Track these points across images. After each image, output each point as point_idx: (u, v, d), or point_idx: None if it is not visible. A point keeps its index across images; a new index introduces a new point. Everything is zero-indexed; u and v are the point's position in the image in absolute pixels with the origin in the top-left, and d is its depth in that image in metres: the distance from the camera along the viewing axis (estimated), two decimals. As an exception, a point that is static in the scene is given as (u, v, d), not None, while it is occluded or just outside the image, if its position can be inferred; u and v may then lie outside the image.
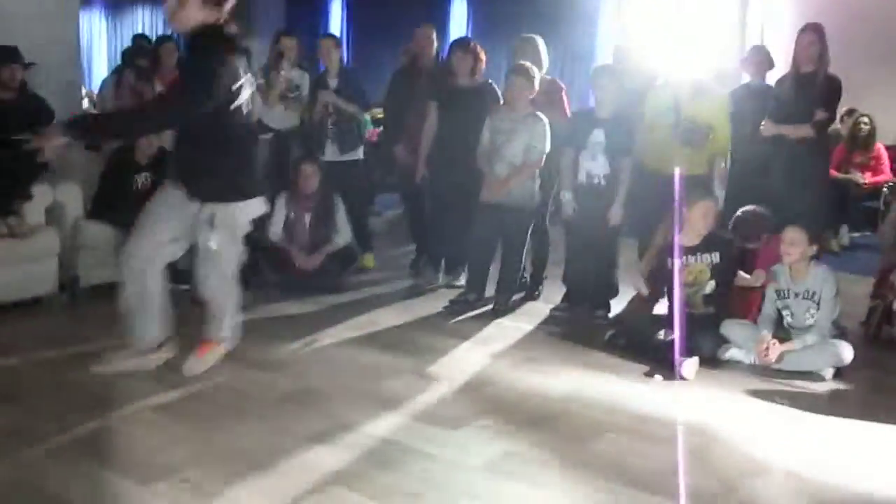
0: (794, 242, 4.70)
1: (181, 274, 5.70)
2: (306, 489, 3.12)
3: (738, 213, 5.28)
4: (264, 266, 6.01)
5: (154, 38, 8.71)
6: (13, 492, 3.05)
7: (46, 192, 5.50)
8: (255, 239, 5.97)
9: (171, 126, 4.21)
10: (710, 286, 4.85)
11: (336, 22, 14.63)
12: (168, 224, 4.02)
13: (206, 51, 3.77)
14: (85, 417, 3.66)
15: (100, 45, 18.19)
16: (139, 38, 8.98)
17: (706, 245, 4.86)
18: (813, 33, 5.38)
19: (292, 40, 6.75)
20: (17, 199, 5.29)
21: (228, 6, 3.84)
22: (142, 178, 5.84)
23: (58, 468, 3.22)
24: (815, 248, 4.76)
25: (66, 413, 3.68)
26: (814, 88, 5.34)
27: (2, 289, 5.08)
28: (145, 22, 18.23)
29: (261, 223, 6.09)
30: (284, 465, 3.31)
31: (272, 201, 6.16)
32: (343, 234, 6.10)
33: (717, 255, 4.86)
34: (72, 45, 6.58)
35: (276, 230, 6.03)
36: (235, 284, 4.29)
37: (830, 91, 5.36)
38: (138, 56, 7.56)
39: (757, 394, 4.29)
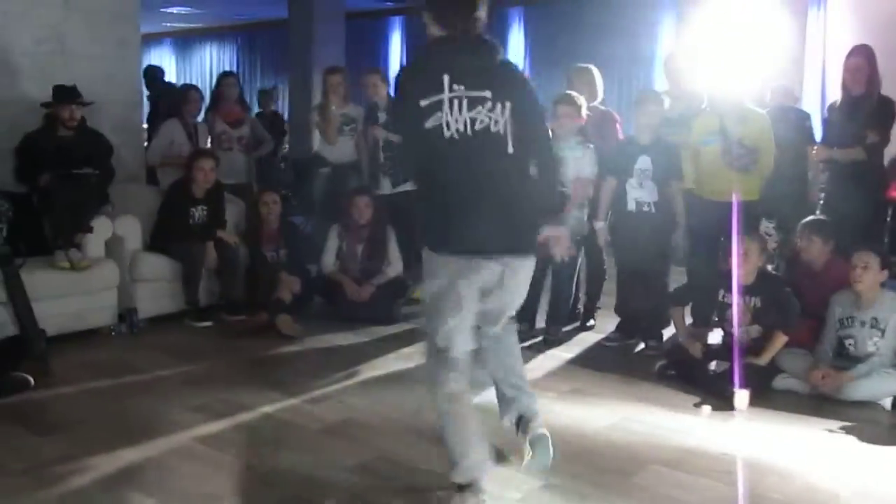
0: (868, 267, 4.58)
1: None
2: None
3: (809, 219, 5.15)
4: (316, 296, 6.09)
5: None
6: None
7: (106, 225, 5.65)
8: (308, 269, 6.13)
9: None
10: (755, 330, 4.72)
11: (395, 53, 14.83)
12: None
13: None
14: (133, 447, 3.73)
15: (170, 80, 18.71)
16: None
17: (749, 287, 4.73)
18: (860, 57, 5.25)
19: (337, 76, 6.82)
20: (79, 232, 5.45)
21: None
22: (198, 211, 5.98)
23: (104, 497, 3.29)
24: (885, 273, 4.64)
25: (115, 443, 3.76)
26: (865, 111, 5.22)
27: (61, 320, 5.20)
28: (213, 56, 18.78)
29: (315, 254, 6.23)
30: (324, 496, 3.33)
31: (326, 232, 6.27)
32: (395, 266, 6.13)
33: (759, 299, 4.73)
34: (132, 84, 6.75)
35: (328, 261, 6.10)
36: None
37: (882, 113, 5.23)
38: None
39: (811, 424, 4.20)
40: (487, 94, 3.02)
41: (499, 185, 3.07)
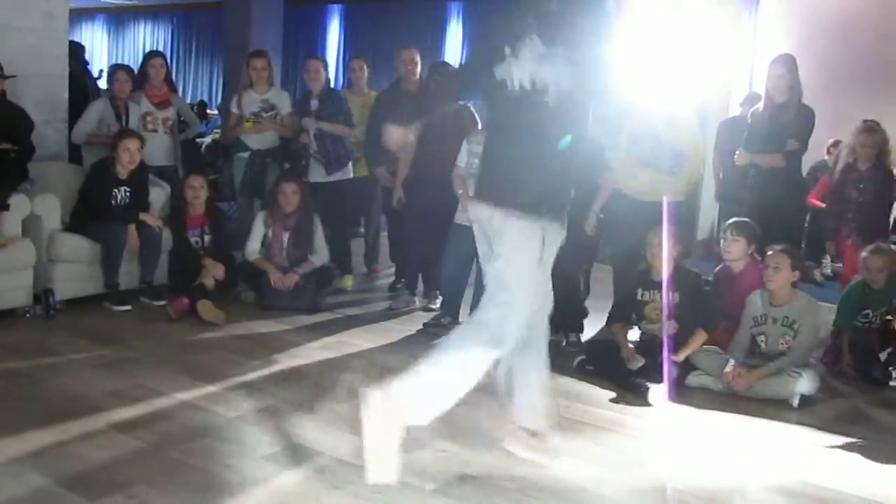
0: (779, 267, 4.72)
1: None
2: (254, 508, 3.12)
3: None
4: (240, 283, 6.03)
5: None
6: (-41, 504, 3.05)
7: (24, 203, 5.49)
8: (233, 256, 6.07)
9: None
10: (672, 326, 4.78)
11: (333, 41, 14.76)
12: None
13: None
14: (44, 430, 3.65)
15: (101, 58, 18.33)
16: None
17: (668, 283, 4.81)
18: (783, 66, 5.40)
19: (262, 60, 6.72)
20: (-6, 209, 5.31)
21: None
22: (121, 192, 5.86)
23: (9, 482, 3.20)
24: (797, 273, 4.79)
25: (25, 426, 3.67)
26: (786, 119, 5.36)
27: (-26, 299, 5.08)
28: (146, 35, 18.42)
29: (240, 239, 6.18)
30: (237, 484, 3.30)
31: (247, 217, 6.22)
32: (320, 255, 6.10)
33: (678, 294, 4.82)
34: (59, 59, 6.56)
35: (253, 248, 6.04)
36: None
37: (803, 122, 5.38)
38: None
39: (722, 420, 4.32)
40: None
41: None
